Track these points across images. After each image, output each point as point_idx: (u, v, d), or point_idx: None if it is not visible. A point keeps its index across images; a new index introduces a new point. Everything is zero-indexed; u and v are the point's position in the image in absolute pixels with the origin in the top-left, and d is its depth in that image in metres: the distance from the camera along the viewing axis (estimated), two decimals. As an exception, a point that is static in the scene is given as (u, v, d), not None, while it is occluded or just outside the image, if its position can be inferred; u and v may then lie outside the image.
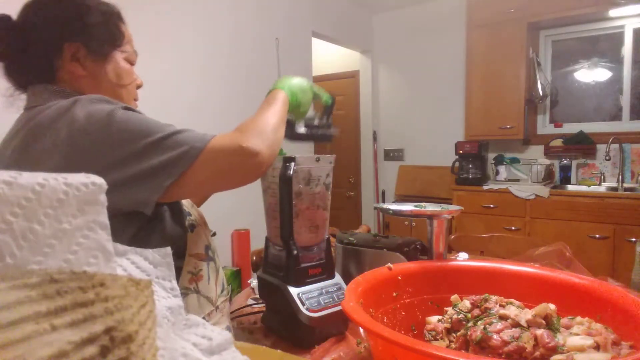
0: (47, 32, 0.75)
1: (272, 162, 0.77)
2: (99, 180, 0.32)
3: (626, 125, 3.35)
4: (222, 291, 0.85)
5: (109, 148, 0.64)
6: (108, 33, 0.79)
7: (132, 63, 0.85)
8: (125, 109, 0.68)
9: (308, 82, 0.98)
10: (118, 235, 0.69)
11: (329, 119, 1.03)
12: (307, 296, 0.86)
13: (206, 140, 0.68)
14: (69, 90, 0.76)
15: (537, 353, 0.61)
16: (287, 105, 0.89)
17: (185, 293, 0.77)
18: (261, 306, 1.07)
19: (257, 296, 1.11)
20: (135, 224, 0.70)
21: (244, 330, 0.98)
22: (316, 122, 1.02)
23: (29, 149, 0.66)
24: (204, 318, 0.79)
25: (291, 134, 0.97)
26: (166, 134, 0.67)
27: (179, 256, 0.79)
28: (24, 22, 0.75)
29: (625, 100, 3.36)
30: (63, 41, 0.75)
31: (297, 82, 0.95)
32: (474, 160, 3.54)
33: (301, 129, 0.98)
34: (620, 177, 3.17)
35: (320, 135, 1.00)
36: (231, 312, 1.03)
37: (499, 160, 3.63)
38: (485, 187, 3.39)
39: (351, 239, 1.10)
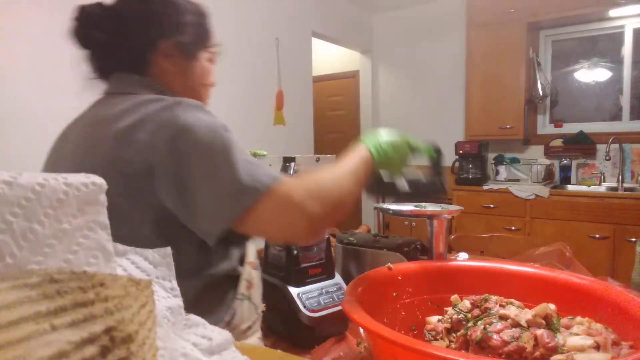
0: (146, 25, 0.76)
1: (327, 228, 0.72)
2: (99, 180, 0.32)
3: (626, 125, 3.35)
4: (261, 300, 0.86)
5: (199, 158, 0.64)
6: (200, 33, 0.82)
7: (213, 63, 0.87)
8: (224, 128, 0.68)
9: (403, 135, 0.89)
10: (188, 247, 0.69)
11: (437, 173, 0.92)
12: (307, 296, 0.86)
13: (275, 179, 0.64)
14: (158, 85, 0.77)
15: (537, 353, 0.61)
16: (369, 164, 0.80)
17: (241, 299, 0.79)
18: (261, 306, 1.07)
19: (257, 296, 1.11)
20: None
21: (244, 330, 0.98)
22: (423, 177, 0.91)
23: (131, 140, 0.65)
24: (249, 327, 0.80)
25: (395, 192, 0.88)
26: (244, 168, 0.64)
27: (241, 263, 0.81)
28: (123, 11, 0.76)
29: (625, 100, 3.36)
30: (160, 37, 0.77)
31: (387, 137, 0.86)
32: (474, 160, 3.54)
33: (404, 187, 0.88)
34: (620, 177, 3.17)
35: (428, 193, 0.90)
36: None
37: (499, 160, 3.63)
38: (485, 187, 3.39)
39: (351, 239, 1.10)
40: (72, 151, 0.73)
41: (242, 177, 0.62)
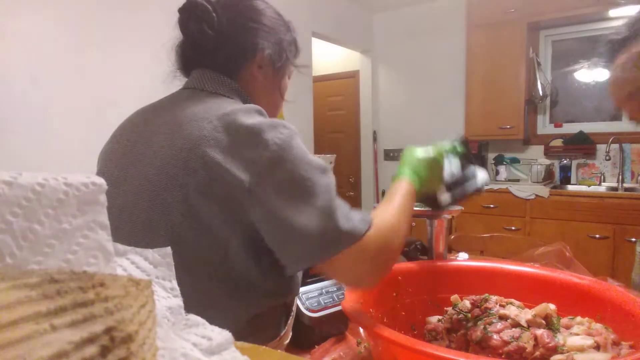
0: (251, 32, 0.78)
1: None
2: (99, 181, 0.32)
3: (626, 125, 3.34)
4: None
5: (292, 192, 0.62)
6: (292, 51, 0.85)
7: (289, 79, 0.90)
8: (322, 166, 0.67)
9: (434, 148, 0.86)
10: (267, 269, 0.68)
11: (468, 165, 0.91)
12: (307, 296, 0.86)
13: (368, 224, 0.64)
14: (244, 93, 0.78)
15: (537, 353, 0.61)
16: (414, 196, 0.81)
17: (293, 315, 0.81)
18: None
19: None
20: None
21: (244, 330, 0.98)
22: (456, 176, 0.89)
23: (233, 152, 0.63)
24: (288, 339, 0.82)
25: (438, 206, 0.88)
26: (336, 203, 0.64)
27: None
28: (239, 14, 0.78)
29: (625, 100, 3.35)
30: (262, 47, 0.79)
31: (420, 158, 0.83)
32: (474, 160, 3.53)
33: (446, 199, 0.87)
34: (620, 177, 3.17)
35: (467, 192, 0.89)
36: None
37: (499, 160, 3.63)
38: (485, 187, 3.38)
39: (351, 239, 1.09)
40: (161, 146, 0.68)
41: (341, 222, 0.62)
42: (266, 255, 0.66)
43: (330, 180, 0.66)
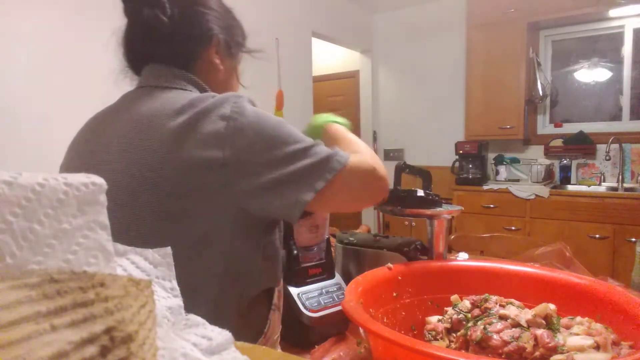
0: (206, 19, 0.77)
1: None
2: (99, 180, 0.32)
3: (626, 125, 3.35)
4: None
5: (270, 146, 0.65)
6: (239, 35, 0.85)
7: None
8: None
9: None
10: (254, 248, 0.71)
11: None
12: (307, 296, 0.86)
13: (348, 155, 0.69)
14: (203, 83, 0.77)
15: (537, 353, 0.61)
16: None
17: (274, 310, 0.80)
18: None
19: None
20: (268, 237, 0.73)
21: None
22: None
23: (198, 131, 0.64)
24: (277, 337, 0.81)
25: (413, 201, 0.96)
26: (314, 142, 0.69)
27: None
28: (183, 0, 0.76)
29: (625, 100, 3.36)
30: (215, 32, 0.78)
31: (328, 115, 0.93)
32: (474, 160, 3.54)
33: (420, 193, 0.98)
34: (620, 177, 3.17)
35: (432, 195, 0.99)
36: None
37: (499, 160, 3.63)
38: (485, 187, 3.39)
39: (351, 239, 1.10)
40: (121, 150, 0.68)
41: (324, 153, 0.67)
42: (253, 235, 0.69)
43: (294, 128, 0.70)
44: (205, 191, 0.64)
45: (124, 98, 0.76)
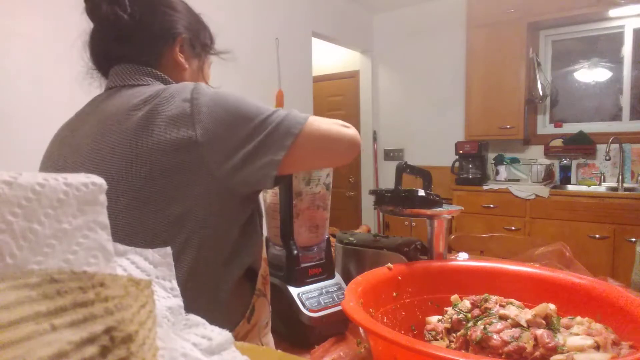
0: (169, 18, 0.78)
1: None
2: (99, 180, 0.32)
3: (626, 125, 3.35)
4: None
5: (239, 118, 0.68)
6: (206, 37, 0.87)
7: (208, 69, 0.92)
8: None
9: None
10: (232, 226, 0.72)
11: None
12: (307, 296, 0.86)
13: (307, 116, 0.72)
14: (168, 78, 0.77)
15: (537, 353, 0.61)
16: None
17: (258, 295, 0.80)
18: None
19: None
20: (245, 214, 0.74)
21: (244, 330, 0.98)
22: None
23: (162, 117, 0.66)
24: (267, 323, 0.81)
25: (415, 201, 0.98)
26: (275, 109, 0.72)
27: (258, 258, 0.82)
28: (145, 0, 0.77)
29: (625, 100, 3.36)
30: (178, 31, 0.79)
31: None
32: (474, 160, 3.54)
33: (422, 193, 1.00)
34: (620, 177, 3.17)
35: (432, 195, 1.00)
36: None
37: (499, 160, 3.63)
38: (485, 187, 3.39)
39: (351, 239, 1.10)
40: (90, 149, 0.69)
41: (287, 114, 0.71)
42: (228, 211, 0.70)
43: (253, 99, 0.72)
44: (182, 171, 0.65)
45: (92, 101, 0.77)
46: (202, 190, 0.66)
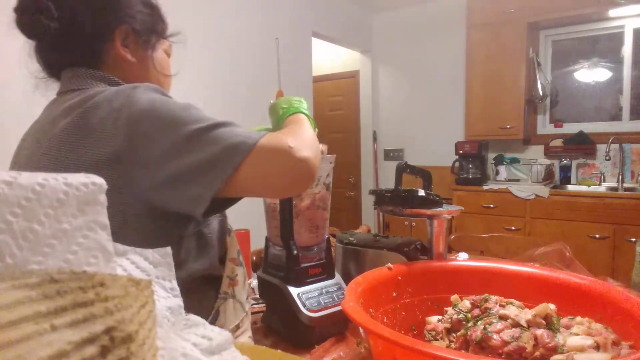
0: (100, 12, 0.72)
1: (318, 173, 0.71)
2: (99, 180, 0.32)
3: (626, 125, 3.35)
4: (247, 297, 0.84)
5: (166, 133, 0.61)
6: (155, 21, 0.79)
7: (168, 55, 0.85)
8: (188, 105, 0.67)
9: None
10: (170, 243, 0.62)
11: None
12: (307, 296, 0.86)
13: (260, 135, 0.63)
14: (115, 78, 0.73)
15: (537, 353, 0.61)
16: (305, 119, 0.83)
17: (224, 298, 0.76)
18: (261, 306, 1.07)
19: (257, 296, 1.11)
20: (185, 225, 0.69)
21: (244, 330, 0.98)
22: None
23: (84, 130, 0.62)
24: (237, 325, 0.78)
25: (415, 201, 0.97)
26: (219, 122, 0.63)
27: (222, 262, 0.77)
28: None
29: (625, 100, 3.36)
30: (116, 24, 0.73)
31: (303, 102, 0.87)
32: (474, 160, 3.54)
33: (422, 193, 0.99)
34: (620, 177, 3.17)
35: (432, 195, 1.00)
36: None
37: (499, 160, 3.63)
38: (485, 187, 3.39)
39: (351, 239, 1.10)
40: (27, 157, 0.69)
41: (225, 138, 0.61)
42: (165, 232, 0.65)
43: (197, 111, 0.64)
44: (110, 189, 0.62)
45: (46, 107, 0.74)
46: (130, 210, 0.62)
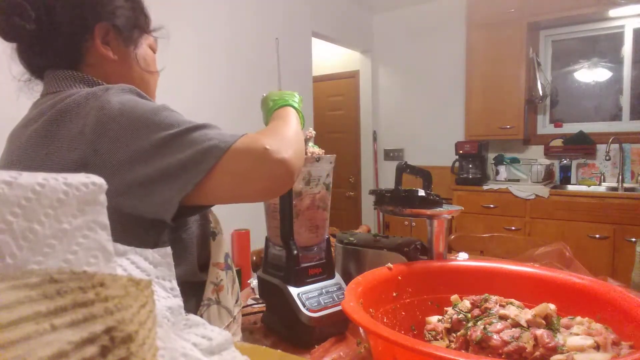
0: (77, 10, 0.69)
1: (299, 173, 0.68)
2: (99, 180, 0.32)
3: (626, 125, 3.35)
4: (236, 301, 0.82)
5: (136, 137, 0.59)
6: (137, 16, 0.76)
7: (154, 51, 0.82)
8: (163, 106, 0.64)
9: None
10: (141, 241, 0.60)
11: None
12: (307, 296, 0.86)
13: (235, 138, 0.61)
14: (94, 79, 0.71)
15: (537, 353, 0.61)
16: (299, 121, 0.81)
17: (207, 304, 0.74)
18: (261, 306, 1.07)
19: (257, 296, 1.11)
20: (158, 231, 0.66)
21: (244, 330, 0.98)
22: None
23: (53, 134, 0.61)
24: None
25: (414, 201, 0.98)
26: (192, 126, 0.61)
27: (203, 268, 0.75)
28: None
29: (625, 100, 3.36)
30: (94, 20, 0.70)
31: (295, 96, 0.87)
32: (474, 160, 3.54)
33: (422, 193, 0.99)
34: (620, 177, 3.17)
35: (432, 195, 1.00)
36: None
37: (499, 160, 3.63)
38: (485, 187, 3.39)
39: (351, 239, 1.10)
40: (2, 160, 0.68)
41: (197, 142, 0.59)
42: (138, 238, 0.62)
43: (171, 114, 0.62)
44: None
45: (29, 110, 0.72)
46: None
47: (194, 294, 0.73)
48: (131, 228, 0.62)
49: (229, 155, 0.59)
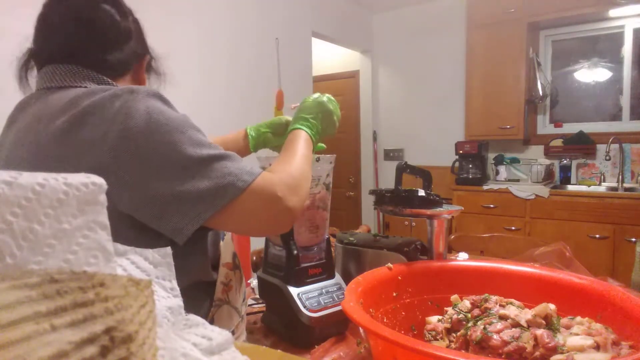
0: (141, 37, 0.79)
1: (301, 213, 0.73)
2: (99, 180, 0.32)
3: (626, 125, 3.35)
4: (243, 300, 0.83)
5: (159, 154, 0.59)
6: (142, 39, 0.82)
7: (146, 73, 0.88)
8: (185, 120, 0.64)
9: (322, 98, 0.89)
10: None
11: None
12: (307, 296, 0.86)
13: (252, 177, 0.63)
14: (104, 78, 0.72)
15: (537, 353, 0.61)
16: (311, 144, 0.83)
17: (219, 305, 0.75)
18: (261, 306, 1.07)
19: (257, 296, 1.11)
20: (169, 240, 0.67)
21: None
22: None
23: (76, 134, 0.60)
24: (232, 331, 0.76)
25: (413, 202, 0.98)
26: (215, 155, 0.62)
27: (214, 268, 0.76)
28: (125, 24, 0.74)
29: (625, 100, 3.36)
30: (144, 53, 0.80)
31: (313, 111, 0.87)
32: (474, 160, 3.54)
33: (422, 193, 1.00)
34: (620, 177, 3.17)
35: (432, 195, 1.00)
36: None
37: (499, 160, 3.63)
38: (485, 187, 3.39)
39: (351, 239, 1.10)
40: (5, 162, 0.66)
41: (217, 174, 0.61)
42: (133, 237, 0.62)
43: (195, 133, 0.63)
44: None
45: (24, 105, 0.72)
46: (112, 221, 0.61)
47: (207, 293, 0.75)
48: (145, 233, 0.63)
49: (245, 196, 0.62)
